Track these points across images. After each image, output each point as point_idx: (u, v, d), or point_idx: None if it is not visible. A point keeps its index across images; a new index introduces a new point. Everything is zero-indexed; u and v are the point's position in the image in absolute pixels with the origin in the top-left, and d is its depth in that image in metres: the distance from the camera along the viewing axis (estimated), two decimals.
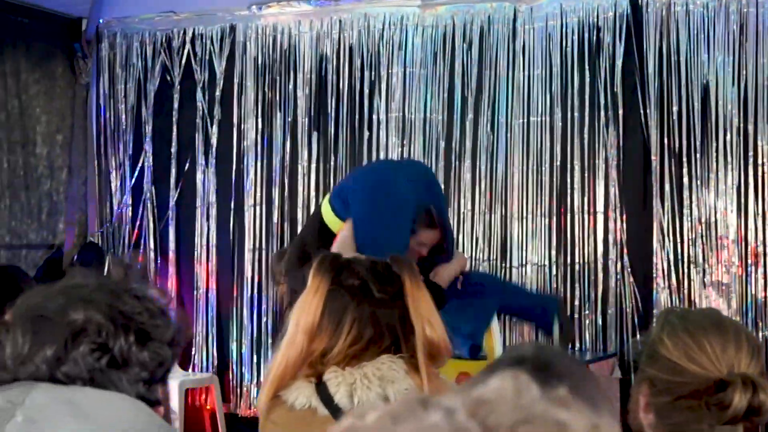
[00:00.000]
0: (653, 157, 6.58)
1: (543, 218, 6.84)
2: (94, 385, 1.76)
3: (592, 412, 0.83)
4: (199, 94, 7.72)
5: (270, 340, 7.30)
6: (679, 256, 6.51)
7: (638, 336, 6.41)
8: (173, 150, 7.82)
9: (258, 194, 7.53)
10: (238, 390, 7.54)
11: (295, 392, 2.63)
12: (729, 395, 1.93)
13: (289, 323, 2.72)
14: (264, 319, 7.47)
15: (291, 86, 7.51)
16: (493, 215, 6.97)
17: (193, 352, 7.58)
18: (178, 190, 7.80)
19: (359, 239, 4.84)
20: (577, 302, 6.72)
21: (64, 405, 1.70)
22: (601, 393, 1.68)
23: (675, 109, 6.56)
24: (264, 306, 7.48)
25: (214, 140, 7.70)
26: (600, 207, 6.71)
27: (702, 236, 6.48)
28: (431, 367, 2.68)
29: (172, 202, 7.80)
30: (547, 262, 6.80)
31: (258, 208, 7.52)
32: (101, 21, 7.98)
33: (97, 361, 1.77)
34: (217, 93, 7.68)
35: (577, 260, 6.74)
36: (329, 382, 2.61)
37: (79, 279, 1.90)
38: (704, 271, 6.47)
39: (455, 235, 6.56)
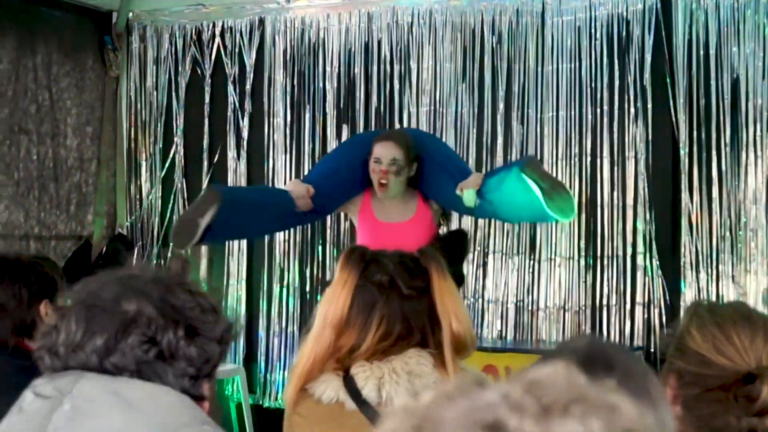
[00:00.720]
0: (682, 151, 6.56)
1: None
2: (141, 376, 1.77)
3: (649, 406, 0.84)
4: (229, 87, 7.75)
5: (297, 333, 7.33)
6: (708, 250, 6.49)
7: (665, 329, 6.40)
8: (204, 142, 7.84)
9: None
10: (265, 381, 7.57)
11: (323, 385, 2.63)
12: (757, 388, 1.92)
13: (316, 317, 2.72)
14: (291, 312, 7.49)
15: (320, 79, 7.52)
16: None
17: None
18: (209, 181, 7.82)
19: None
20: (605, 296, 6.71)
21: (111, 396, 1.72)
22: (658, 388, 1.68)
23: (704, 102, 6.54)
24: (292, 298, 7.50)
25: (245, 133, 7.72)
26: (629, 201, 6.70)
27: (731, 230, 6.45)
28: (456, 360, 2.69)
29: None
30: (575, 256, 6.79)
31: None
32: (131, 13, 8.02)
33: (145, 354, 1.78)
34: (248, 86, 7.71)
35: (605, 254, 6.73)
36: (357, 376, 2.61)
37: (137, 270, 1.92)
38: (732, 264, 6.45)
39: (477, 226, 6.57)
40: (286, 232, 7.47)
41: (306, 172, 7.44)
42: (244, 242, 7.69)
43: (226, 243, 7.58)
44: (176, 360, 1.81)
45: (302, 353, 2.69)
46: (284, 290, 7.54)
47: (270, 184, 7.56)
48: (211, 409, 1.90)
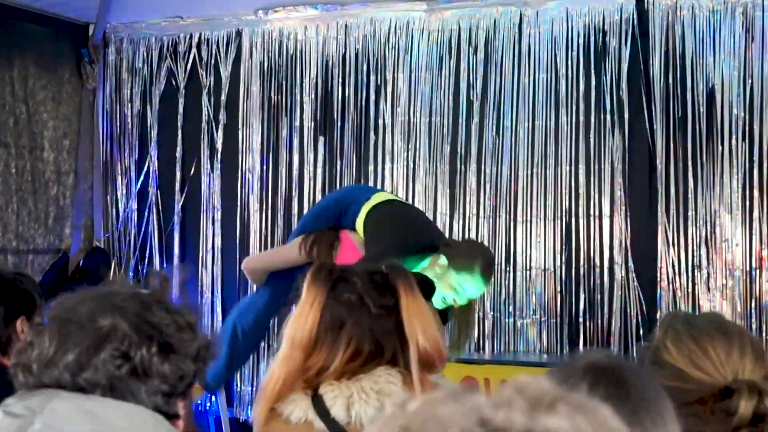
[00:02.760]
0: (658, 161, 6.58)
1: (548, 222, 6.84)
2: (113, 393, 1.76)
3: (659, 425, 0.86)
4: (204, 99, 7.73)
5: (276, 345, 7.30)
6: (684, 260, 6.51)
7: (642, 341, 6.40)
8: (178, 155, 7.83)
9: (263, 199, 7.54)
10: (243, 395, 7.55)
11: (291, 405, 2.61)
12: (735, 402, 1.92)
13: (284, 337, 2.69)
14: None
15: (297, 91, 7.52)
16: (497, 219, 6.96)
17: None
18: (184, 194, 7.81)
19: None
20: (582, 306, 6.72)
21: (83, 415, 1.70)
22: (670, 410, 1.68)
23: (680, 112, 6.56)
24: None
25: (219, 145, 7.71)
26: (605, 211, 6.71)
27: (707, 240, 6.48)
28: (426, 376, 2.66)
29: (177, 207, 7.81)
30: (552, 266, 6.80)
31: (263, 212, 7.52)
32: (108, 26, 8.00)
33: (118, 369, 1.76)
34: (223, 98, 7.70)
35: (582, 264, 6.74)
36: (325, 396, 2.59)
37: (116, 286, 1.91)
38: (709, 274, 6.47)
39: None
40: (260, 244, 7.48)
41: (281, 185, 7.46)
42: (218, 252, 7.68)
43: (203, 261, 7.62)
44: (149, 377, 1.79)
45: (271, 374, 2.66)
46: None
47: (246, 195, 7.56)
48: (188, 429, 1.88)
